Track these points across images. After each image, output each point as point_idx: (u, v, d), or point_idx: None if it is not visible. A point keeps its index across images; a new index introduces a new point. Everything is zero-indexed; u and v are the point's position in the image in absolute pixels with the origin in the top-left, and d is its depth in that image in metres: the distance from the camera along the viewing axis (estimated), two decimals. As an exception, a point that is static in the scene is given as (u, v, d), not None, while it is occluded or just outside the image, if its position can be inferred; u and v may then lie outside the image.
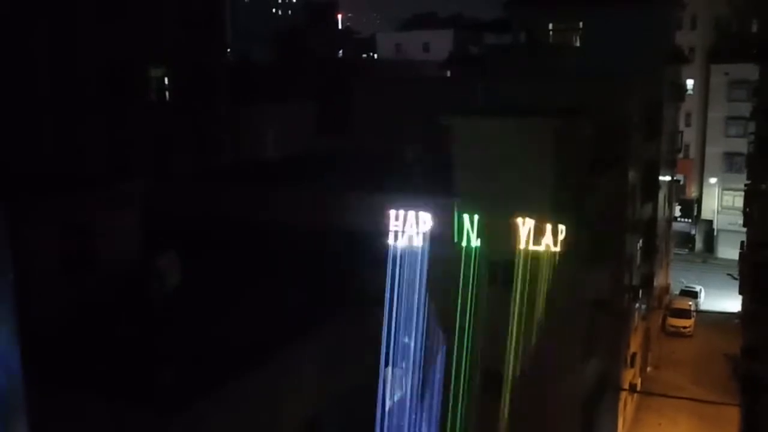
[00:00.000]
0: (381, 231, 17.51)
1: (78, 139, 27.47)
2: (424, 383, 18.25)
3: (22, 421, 7.08)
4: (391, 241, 17.81)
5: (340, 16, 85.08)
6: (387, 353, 16.55)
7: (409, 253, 17.85)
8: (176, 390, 10.43)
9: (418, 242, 17.99)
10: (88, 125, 28.12)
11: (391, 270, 17.40)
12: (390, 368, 16.58)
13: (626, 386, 31.63)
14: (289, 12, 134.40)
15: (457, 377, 19.46)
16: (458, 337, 19.62)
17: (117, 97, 29.30)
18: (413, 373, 17.64)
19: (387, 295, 16.97)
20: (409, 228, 17.85)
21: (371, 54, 72.71)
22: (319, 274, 15.39)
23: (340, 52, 68.43)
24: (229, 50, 46.87)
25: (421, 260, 18.06)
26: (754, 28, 63.89)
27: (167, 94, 32.70)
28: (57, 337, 12.35)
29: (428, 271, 17.95)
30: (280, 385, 12.30)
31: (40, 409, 10.28)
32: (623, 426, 31.78)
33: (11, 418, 6.88)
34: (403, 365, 17.28)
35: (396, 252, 17.74)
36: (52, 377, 11.30)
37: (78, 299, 13.44)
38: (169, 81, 32.53)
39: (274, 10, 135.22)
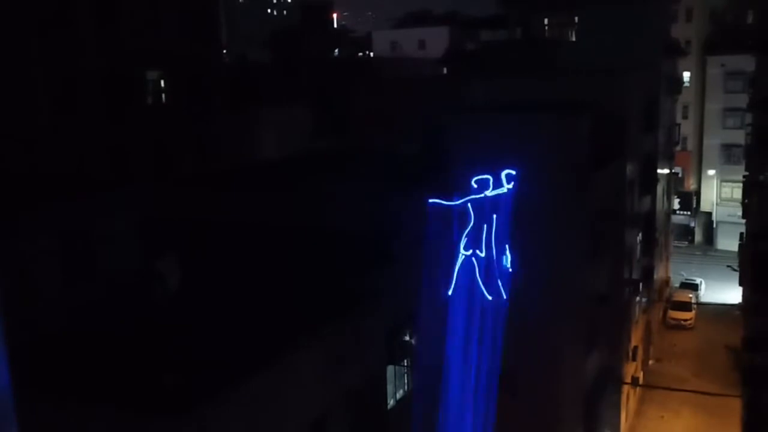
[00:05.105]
0: (382, 229, 17.49)
1: (76, 142, 27.45)
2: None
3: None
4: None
5: (335, 16, 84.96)
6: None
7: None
8: (179, 394, 10.45)
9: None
10: (86, 129, 28.11)
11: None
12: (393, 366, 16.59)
13: (628, 380, 31.68)
14: (284, 12, 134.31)
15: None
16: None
17: (115, 100, 29.28)
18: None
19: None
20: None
21: (367, 52, 72.58)
22: (322, 275, 15.39)
23: (336, 51, 68.31)
24: (225, 52, 46.85)
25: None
26: (750, 19, 63.96)
27: (164, 96, 32.68)
28: (57, 343, 12.37)
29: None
30: (285, 386, 12.31)
31: (39, 416, 10.31)
32: (626, 419, 31.83)
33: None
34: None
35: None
36: (52, 384, 11.31)
37: (78, 304, 13.45)
38: (165, 84, 32.51)
39: (269, 11, 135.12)
